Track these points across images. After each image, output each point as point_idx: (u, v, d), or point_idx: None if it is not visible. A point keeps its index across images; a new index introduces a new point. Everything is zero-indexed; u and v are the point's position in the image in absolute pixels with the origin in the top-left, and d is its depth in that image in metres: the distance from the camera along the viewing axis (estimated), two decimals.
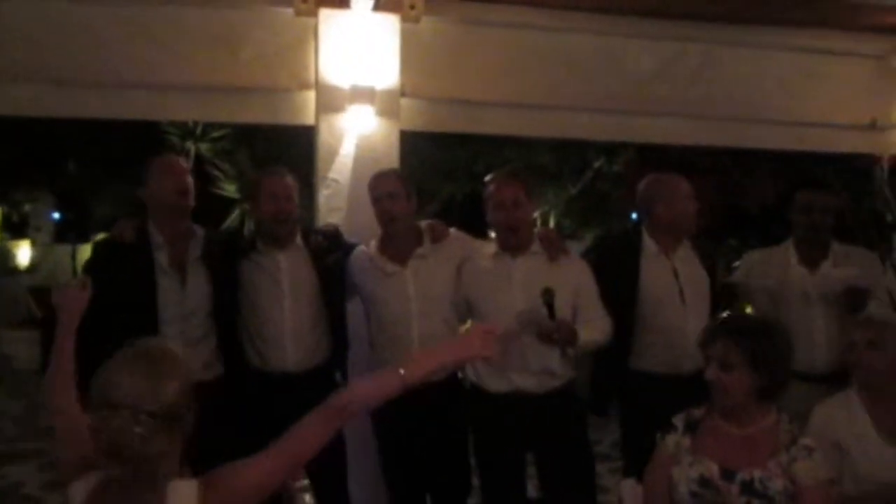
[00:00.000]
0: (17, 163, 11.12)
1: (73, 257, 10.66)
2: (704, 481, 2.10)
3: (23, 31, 3.48)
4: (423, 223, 3.06)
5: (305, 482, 3.52)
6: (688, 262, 3.14)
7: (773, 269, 3.32)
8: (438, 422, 2.93)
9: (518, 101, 3.98)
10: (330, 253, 3.04)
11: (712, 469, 2.11)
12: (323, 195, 3.58)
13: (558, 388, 2.90)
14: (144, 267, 2.81)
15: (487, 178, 2.98)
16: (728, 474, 2.08)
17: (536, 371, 2.85)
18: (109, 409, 1.51)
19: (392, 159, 3.61)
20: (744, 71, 4.26)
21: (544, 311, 2.71)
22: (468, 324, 3.00)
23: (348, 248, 3.10)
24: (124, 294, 2.70)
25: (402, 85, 3.68)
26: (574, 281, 2.90)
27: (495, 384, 2.87)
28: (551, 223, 8.96)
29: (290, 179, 2.99)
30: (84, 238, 10.77)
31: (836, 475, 2.30)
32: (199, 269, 2.90)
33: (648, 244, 3.13)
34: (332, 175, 3.59)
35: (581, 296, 2.89)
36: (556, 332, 2.71)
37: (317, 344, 2.98)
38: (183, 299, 2.84)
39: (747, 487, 2.05)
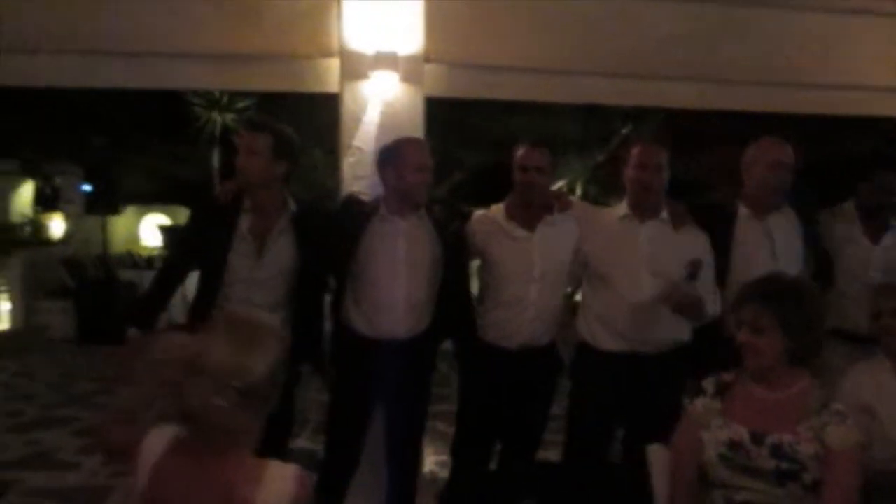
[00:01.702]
0: (48, 137, 11.25)
1: (104, 228, 10.79)
2: (734, 445, 2.10)
3: (44, 3, 3.50)
4: (552, 192, 3.16)
5: None
6: (783, 226, 3.16)
7: (835, 232, 3.38)
8: (530, 378, 3.04)
9: (542, 65, 3.92)
10: (450, 222, 3.11)
11: (742, 433, 2.10)
12: (347, 163, 3.58)
13: (671, 350, 2.97)
14: (226, 229, 2.86)
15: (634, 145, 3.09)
16: (758, 438, 2.07)
17: (664, 340, 2.94)
18: (195, 373, 1.50)
19: (416, 126, 3.59)
20: (767, 32, 4.14)
21: (689, 282, 2.78)
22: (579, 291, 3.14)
23: (465, 215, 3.19)
24: (204, 250, 2.90)
25: (426, 51, 3.64)
26: (698, 250, 2.95)
27: (610, 344, 2.97)
28: (577, 191, 8.90)
29: (427, 148, 3.06)
30: (113, 210, 10.89)
31: (867, 440, 2.28)
32: (281, 241, 2.90)
33: (742, 209, 3.17)
34: (356, 143, 3.58)
35: (702, 266, 2.92)
36: (694, 304, 2.81)
37: (427, 312, 3.02)
38: (255, 266, 2.86)
39: (777, 451, 2.04)
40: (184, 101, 8.10)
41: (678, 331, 2.98)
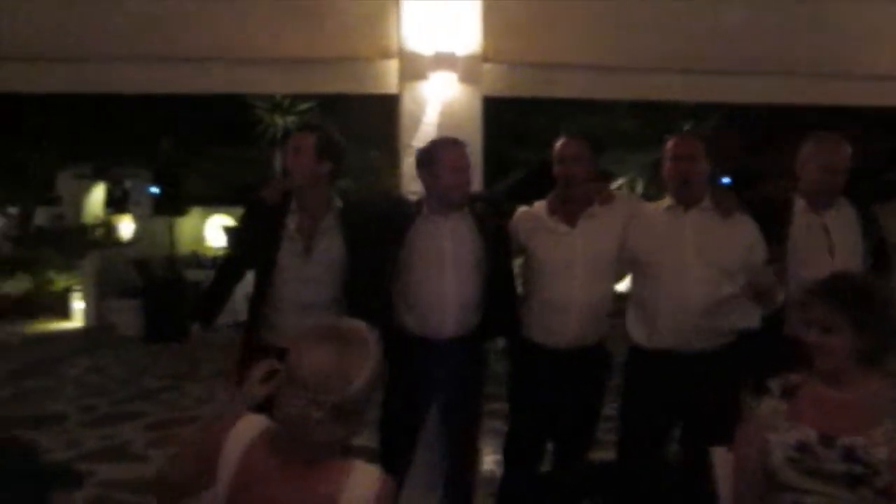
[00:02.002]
0: (118, 141, 11.63)
1: (170, 229, 11.10)
2: (802, 447, 2.04)
3: (115, 11, 3.63)
4: (592, 185, 3.10)
5: None
6: (841, 220, 3.09)
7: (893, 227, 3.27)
8: (579, 378, 3.01)
9: (601, 62, 3.90)
10: (492, 218, 3.08)
11: (810, 435, 2.04)
12: (406, 163, 3.61)
13: (726, 346, 2.92)
14: (274, 229, 2.92)
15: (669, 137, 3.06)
16: (827, 440, 2.01)
17: (715, 335, 2.89)
18: (293, 385, 1.51)
19: (475, 126, 3.60)
20: (838, 24, 4.02)
21: (768, 267, 2.76)
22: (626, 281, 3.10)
23: (508, 212, 3.17)
24: (255, 250, 2.97)
25: (485, 50, 3.65)
26: (746, 238, 2.91)
27: (661, 340, 2.91)
28: (638, 189, 8.78)
29: (466, 149, 3.03)
30: (179, 211, 11.19)
31: None
32: (329, 238, 2.94)
33: (798, 201, 3.11)
34: (415, 143, 3.60)
35: (754, 254, 2.89)
36: (773, 289, 2.76)
37: (474, 311, 3.02)
38: (303, 265, 2.91)
39: (848, 454, 1.97)
40: (247, 105, 8.27)
41: (729, 326, 2.91)
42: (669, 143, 3.00)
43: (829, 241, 3.03)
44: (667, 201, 3.04)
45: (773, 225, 3.03)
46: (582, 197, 3.04)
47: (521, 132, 8.16)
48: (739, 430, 2.22)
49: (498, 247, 3.06)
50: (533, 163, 8.87)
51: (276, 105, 8.25)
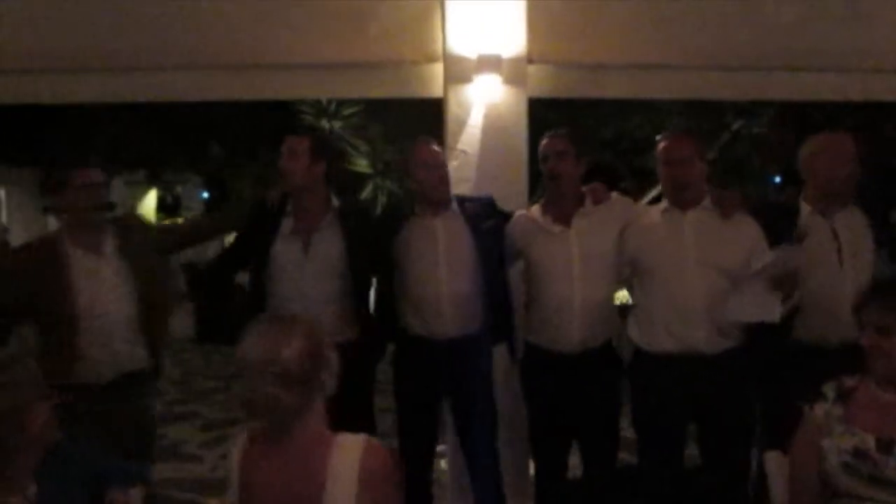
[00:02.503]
0: (169, 147, 11.90)
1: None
2: (859, 453, 1.99)
3: (161, 20, 3.72)
4: (586, 187, 3.07)
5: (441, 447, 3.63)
6: (851, 224, 2.98)
7: None
8: (590, 381, 2.96)
9: (648, 62, 3.83)
10: (485, 219, 3.07)
11: (868, 440, 1.99)
12: (452, 166, 3.61)
13: (726, 351, 2.83)
14: (271, 230, 3.01)
15: (658, 137, 2.98)
16: (885, 446, 1.96)
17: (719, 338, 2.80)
18: (244, 374, 1.67)
19: (520, 128, 3.59)
20: (889, 18, 3.90)
21: (797, 245, 2.69)
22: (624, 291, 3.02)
23: (505, 216, 3.14)
24: (252, 251, 3.05)
25: (530, 52, 3.64)
26: (747, 239, 2.84)
27: (664, 344, 2.84)
28: None
29: (437, 147, 3.09)
30: None
31: None
32: (327, 236, 3.00)
33: (804, 206, 3.00)
34: (460, 146, 3.61)
35: (757, 252, 2.80)
36: (792, 277, 2.69)
37: (474, 309, 3.01)
38: (303, 261, 2.97)
39: None
40: (293, 110, 8.37)
41: (733, 329, 2.82)
42: (660, 146, 2.91)
43: (839, 246, 2.91)
44: (663, 203, 2.96)
45: (780, 232, 2.92)
46: (573, 196, 3.00)
47: (572, 133, 8.09)
48: (795, 434, 2.17)
49: (489, 247, 3.04)
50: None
51: (322, 110, 8.34)
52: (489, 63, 3.50)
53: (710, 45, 3.84)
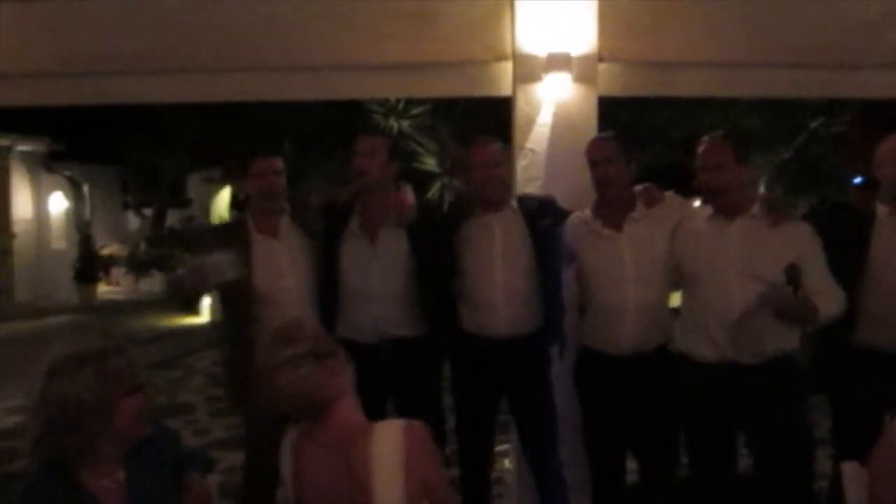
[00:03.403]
0: (241, 145, 12.23)
1: None
2: None
3: (238, 23, 3.83)
4: (638, 187, 3.04)
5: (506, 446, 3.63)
6: None
7: None
8: (643, 385, 2.91)
9: (722, 59, 3.74)
10: (543, 217, 3.07)
11: None
12: (520, 165, 3.61)
13: (774, 360, 2.72)
14: (340, 228, 3.09)
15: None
16: None
17: (769, 351, 2.70)
18: (273, 371, 1.77)
19: (590, 127, 3.55)
20: None
21: (787, 288, 2.55)
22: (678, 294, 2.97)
23: (563, 215, 3.13)
24: (327, 249, 3.11)
25: (600, 50, 3.60)
26: (798, 247, 2.70)
27: (705, 353, 2.77)
28: (760, 190, 8.41)
29: (494, 147, 3.09)
30: None
31: None
32: (393, 236, 3.06)
33: (881, 209, 2.88)
34: (529, 145, 3.60)
35: (807, 263, 2.65)
36: (800, 309, 2.58)
37: (529, 309, 3.02)
38: (370, 261, 3.03)
39: None
40: (363, 110, 8.50)
41: (782, 339, 2.70)
42: (698, 150, 2.82)
43: None
44: (709, 209, 2.87)
45: (850, 235, 2.82)
46: (624, 200, 2.96)
47: (636, 131, 8.01)
48: (875, 447, 2.09)
49: (546, 246, 3.03)
50: (645, 165, 8.67)
51: (391, 109, 8.44)
52: (559, 61, 3.48)
53: (786, 42, 3.73)
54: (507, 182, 3.13)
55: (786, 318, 2.63)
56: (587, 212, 3.06)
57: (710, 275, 2.76)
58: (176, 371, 7.47)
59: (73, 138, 12.83)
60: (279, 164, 3.17)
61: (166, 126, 12.45)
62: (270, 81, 3.92)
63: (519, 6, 3.58)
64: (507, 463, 3.54)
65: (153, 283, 13.12)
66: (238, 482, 3.58)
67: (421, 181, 7.93)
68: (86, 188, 14.66)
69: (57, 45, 3.95)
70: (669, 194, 3.04)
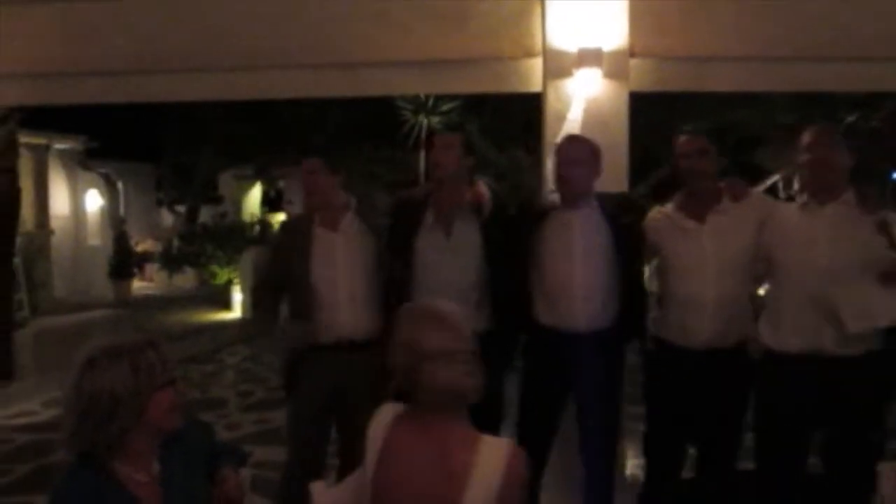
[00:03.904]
0: (272, 143, 12.34)
1: None
2: None
3: (270, 21, 3.86)
4: (723, 182, 3.03)
5: None
6: None
7: None
8: (717, 381, 2.90)
9: (755, 53, 3.69)
10: (625, 213, 3.08)
11: None
12: (550, 161, 3.59)
13: (860, 355, 2.69)
14: (415, 222, 3.12)
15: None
16: None
17: (852, 338, 2.66)
18: (428, 359, 1.71)
19: (621, 122, 3.53)
20: None
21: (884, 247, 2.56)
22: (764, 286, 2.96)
23: (643, 211, 3.14)
24: (399, 242, 3.15)
25: (631, 45, 3.57)
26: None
27: (791, 344, 2.76)
28: (795, 185, 8.28)
29: (584, 142, 3.10)
30: None
31: None
32: (466, 230, 3.09)
33: None
34: (559, 141, 3.58)
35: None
36: None
37: (606, 305, 3.02)
38: (445, 254, 3.07)
39: None
40: (393, 106, 8.54)
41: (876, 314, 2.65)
42: (804, 135, 2.85)
43: None
44: (803, 198, 2.85)
45: None
46: (710, 193, 2.96)
47: (667, 127, 7.93)
48: None
49: (628, 243, 3.02)
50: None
51: (421, 105, 8.47)
52: (590, 57, 3.46)
53: (821, 35, 3.67)
54: (585, 178, 3.08)
55: (888, 279, 2.60)
56: (669, 206, 3.07)
57: (800, 261, 2.75)
58: (208, 366, 7.56)
59: (108, 136, 13.03)
60: (317, 163, 3.26)
61: (199, 124, 12.60)
62: (302, 78, 3.96)
63: (549, 2, 3.56)
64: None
65: (186, 280, 13.30)
66: (268, 476, 3.63)
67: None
68: (120, 185, 14.88)
69: (94, 45, 4.02)
70: (755, 190, 3.04)
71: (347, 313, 3.18)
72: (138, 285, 13.72)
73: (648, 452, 3.14)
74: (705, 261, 2.89)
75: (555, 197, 3.15)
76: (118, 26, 4.02)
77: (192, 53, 3.96)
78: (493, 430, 3.05)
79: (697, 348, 2.89)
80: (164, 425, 1.81)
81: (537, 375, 3.14)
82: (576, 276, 2.98)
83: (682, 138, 3.02)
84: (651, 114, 6.95)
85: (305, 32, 3.88)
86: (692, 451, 3.12)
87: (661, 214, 3.08)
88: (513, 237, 3.11)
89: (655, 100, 5.50)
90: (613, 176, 3.46)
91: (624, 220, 3.05)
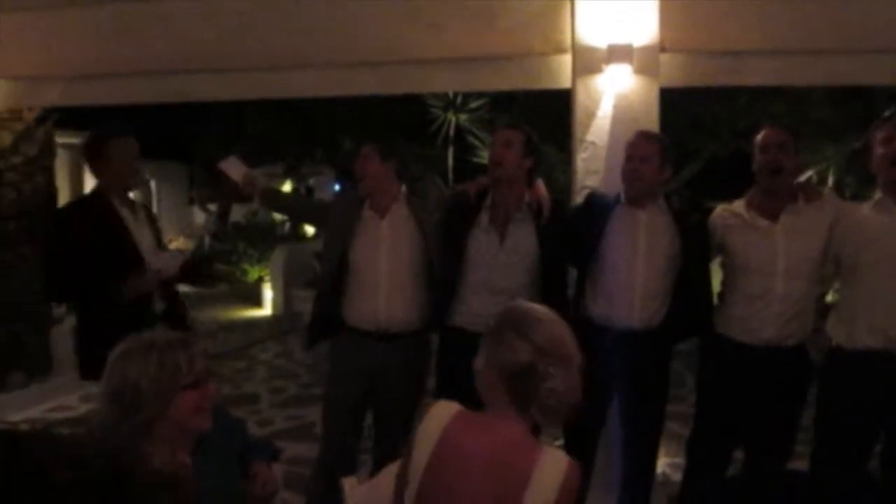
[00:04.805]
0: (303, 141, 12.42)
1: None
2: None
3: (301, 21, 3.90)
4: (797, 182, 3.01)
5: None
6: None
7: None
8: (775, 381, 2.88)
9: (787, 47, 3.63)
10: (691, 213, 3.07)
11: None
12: (580, 158, 3.58)
13: None
14: (468, 223, 3.12)
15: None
16: None
17: None
18: (564, 363, 1.71)
19: (651, 118, 3.51)
20: None
21: None
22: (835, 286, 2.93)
23: (708, 211, 3.12)
24: (450, 242, 3.15)
25: (662, 40, 3.54)
26: None
27: (864, 340, 2.73)
28: (829, 182, 8.14)
29: (651, 139, 3.07)
30: None
31: None
32: (522, 229, 3.08)
33: None
34: (589, 138, 3.57)
35: None
36: None
37: (663, 304, 3.02)
38: (497, 254, 3.06)
39: None
40: (423, 104, 8.55)
41: None
42: (878, 133, 2.79)
43: None
44: (876, 196, 2.82)
45: None
46: (785, 191, 2.92)
47: (698, 122, 7.84)
48: None
49: (695, 243, 3.01)
50: (709, 155, 8.48)
51: (450, 103, 8.46)
52: (620, 53, 3.44)
53: (858, 27, 3.60)
54: (642, 176, 3.04)
55: None
56: (736, 203, 3.04)
57: (878, 259, 2.74)
58: (240, 362, 7.64)
59: (141, 136, 13.25)
60: (371, 149, 3.28)
61: (231, 123, 12.74)
62: (334, 77, 3.99)
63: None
64: None
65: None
66: (300, 473, 3.66)
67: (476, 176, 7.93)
68: (153, 184, 15.10)
69: (130, 47, 4.09)
70: (828, 192, 3.01)
71: (386, 301, 3.15)
72: None
73: (692, 451, 3.11)
74: (776, 260, 2.86)
75: (585, 192, 3.14)
76: (153, 28, 4.09)
77: (226, 54, 4.02)
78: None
79: (758, 345, 2.87)
80: (190, 425, 1.80)
81: (587, 373, 3.11)
82: (637, 276, 2.97)
83: (763, 130, 2.97)
84: (681, 107, 6.88)
85: (337, 32, 3.91)
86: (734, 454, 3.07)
87: (729, 212, 3.04)
88: (574, 232, 3.09)
89: (688, 93, 5.45)
90: None
91: (692, 219, 3.03)
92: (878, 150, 2.78)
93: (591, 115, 3.56)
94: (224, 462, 1.94)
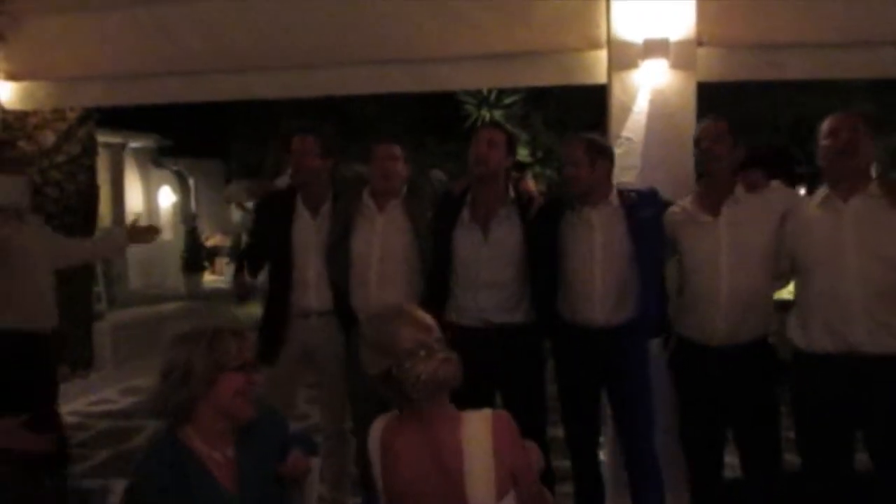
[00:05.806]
0: (342, 139, 12.50)
1: None
2: None
3: (336, 19, 3.93)
4: (747, 175, 2.96)
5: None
6: None
7: None
8: (741, 377, 2.84)
9: (827, 40, 3.55)
10: (643, 209, 3.04)
11: None
12: (616, 154, 3.54)
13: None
14: (451, 219, 3.19)
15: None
16: None
17: (885, 337, 2.56)
18: (408, 357, 1.79)
19: (688, 114, 3.46)
20: None
21: None
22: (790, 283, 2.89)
23: (663, 206, 3.09)
24: (439, 237, 3.21)
25: (699, 34, 3.49)
26: None
27: (821, 343, 2.65)
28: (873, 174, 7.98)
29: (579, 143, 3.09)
30: None
31: None
32: (505, 227, 3.12)
33: None
34: (625, 133, 3.54)
35: None
36: None
37: (626, 300, 3.01)
38: (481, 248, 3.11)
39: None
40: (455, 101, 8.55)
41: None
42: (824, 126, 2.73)
43: None
44: (822, 192, 2.72)
45: None
46: (725, 184, 2.88)
47: (735, 117, 7.73)
48: None
49: (648, 239, 3.00)
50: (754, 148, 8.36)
51: (483, 99, 8.46)
52: (656, 47, 3.41)
53: None
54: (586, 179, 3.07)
55: None
56: (687, 199, 3.02)
57: (826, 258, 2.64)
58: None
59: (180, 134, 13.41)
60: (397, 150, 3.33)
61: (266, 120, 12.86)
62: (367, 74, 4.02)
63: None
64: (601, 455, 3.50)
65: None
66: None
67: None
68: (191, 182, 15.31)
69: (168, 46, 4.16)
70: (774, 182, 2.94)
71: (374, 293, 3.21)
72: (209, 278, 14.11)
73: (686, 451, 3.07)
74: (719, 255, 2.82)
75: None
76: (190, 28, 4.15)
77: (261, 52, 4.06)
78: (540, 426, 3.11)
79: (714, 344, 2.83)
80: (233, 408, 1.91)
81: (566, 370, 3.16)
82: (595, 273, 2.99)
83: (703, 122, 2.97)
84: (718, 101, 6.79)
85: (370, 30, 3.93)
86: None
87: (678, 208, 3.02)
88: (543, 231, 3.13)
89: (725, 88, 5.38)
90: (680, 169, 3.41)
91: (642, 215, 3.01)
92: (823, 142, 2.69)
93: (626, 110, 3.52)
94: (265, 455, 2.01)
